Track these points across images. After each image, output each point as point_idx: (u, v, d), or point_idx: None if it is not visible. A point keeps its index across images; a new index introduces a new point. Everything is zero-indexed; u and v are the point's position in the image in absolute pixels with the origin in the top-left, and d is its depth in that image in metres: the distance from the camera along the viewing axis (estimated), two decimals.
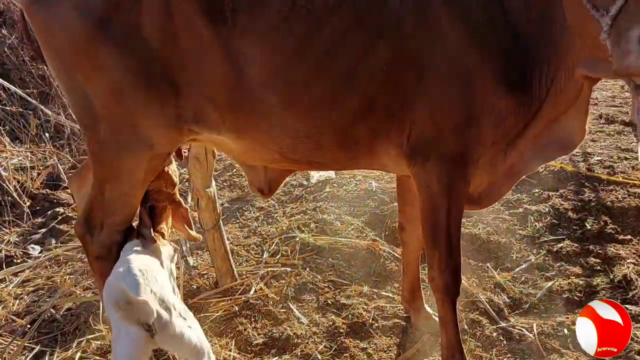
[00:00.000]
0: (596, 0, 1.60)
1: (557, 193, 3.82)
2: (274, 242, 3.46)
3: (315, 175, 4.36)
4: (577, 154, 4.41)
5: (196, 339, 1.99)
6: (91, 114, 2.06)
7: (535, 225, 3.49)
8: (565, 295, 2.87)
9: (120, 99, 2.02)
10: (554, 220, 3.54)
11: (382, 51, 1.93)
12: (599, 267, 3.05)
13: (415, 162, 2.06)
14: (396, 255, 3.24)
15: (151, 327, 1.83)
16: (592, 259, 3.15)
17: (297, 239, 3.44)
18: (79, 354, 2.56)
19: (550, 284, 2.95)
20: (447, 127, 1.90)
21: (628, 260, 3.05)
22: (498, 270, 3.12)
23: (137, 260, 2.04)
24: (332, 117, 2.05)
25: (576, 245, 3.27)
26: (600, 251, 3.17)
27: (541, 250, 3.27)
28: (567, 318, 2.70)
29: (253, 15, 1.93)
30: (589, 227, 3.41)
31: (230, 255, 3.09)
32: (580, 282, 2.94)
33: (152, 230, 2.22)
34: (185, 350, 2.00)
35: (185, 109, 2.06)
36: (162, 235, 2.30)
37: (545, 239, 3.37)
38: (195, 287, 3.13)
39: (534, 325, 2.66)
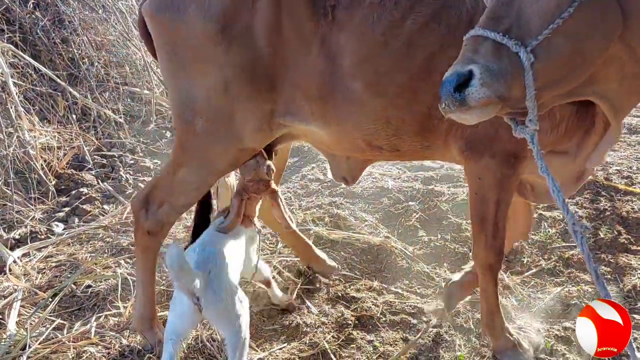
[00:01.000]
0: None
1: (573, 200, 3.82)
2: None
3: None
4: None
5: (239, 326, 2.14)
6: (192, 108, 2.30)
7: (549, 231, 3.52)
8: (573, 302, 2.89)
9: (225, 94, 2.25)
10: (567, 227, 3.54)
11: (453, 48, 2.03)
12: (609, 276, 3.06)
13: (470, 156, 2.24)
14: (407, 252, 3.30)
15: (199, 300, 2.03)
16: (603, 267, 3.17)
17: (312, 232, 3.51)
18: (94, 329, 2.66)
19: (559, 289, 2.98)
20: (503, 126, 1.94)
21: (639, 271, 3.06)
22: (508, 273, 3.15)
23: (208, 238, 2.30)
24: (412, 107, 2.22)
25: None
26: (611, 260, 3.19)
27: (552, 256, 3.29)
28: (574, 324, 2.72)
29: (349, 9, 2.15)
30: (602, 236, 3.41)
31: None
32: (589, 290, 2.96)
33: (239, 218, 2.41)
34: (226, 332, 2.15)
35: (278, 104, 2.29)
36: (250, 218, 2.50)
37: (557, 245, 3.40)
38: None
39: (540, 328, 2.70)
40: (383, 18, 2.13)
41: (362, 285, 3.04)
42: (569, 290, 2.98)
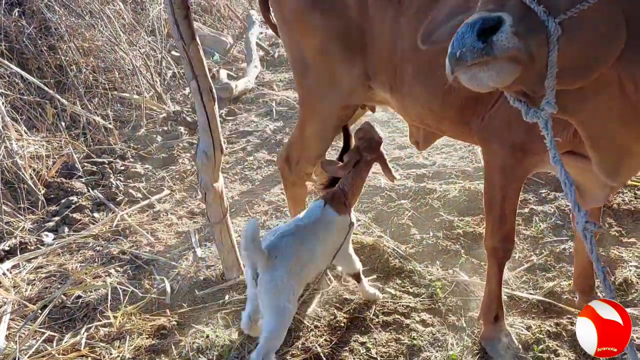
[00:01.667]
0: None
1: (564, 194, 3.81)
2: None
3: None
4: None
5: (278, 320, 2.27)
6: (304, 64, 2.77)
7: (540, 226, 3.50)
8: (565, 297, 2.89)
9: (325, 55, 2.66)
10: (558, 222, 3.54)
11: None
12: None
13: (483, 143, 2.42)
14: (400, 252, 3.29)
15: (257, 274, 2.26)
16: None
17: None
18: (85, 340, 2.65)
19: (551, 284, 2.97)
20: (516, 119, 1.89)
21: (630, 264, 3.05)
22: None
23: (293, 227, 2.47)
24: (447, 99, 2.37)
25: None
26: (603, 253, 3.17)
27: (544, 251, 3.28)
28: (566, 319, 2.72)
29: None
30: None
31: (237, 248, 3.16)
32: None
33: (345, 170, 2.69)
34: (266, 318, 2.29)
35: (369, 68, 2.63)
36: (348, 204, 2.67)
37: (549, 239, 3.39)
38: (202, 278, 3.21)
39: (532, 324, 2.69)
40: (428, 8, 2.26)
41: (354, 286, 3.03)
42: (560, 285, 2.97)
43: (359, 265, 2.78)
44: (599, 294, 2.78)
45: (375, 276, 3.12)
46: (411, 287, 3.04)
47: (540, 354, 2.50)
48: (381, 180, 4.17)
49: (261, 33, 9.19)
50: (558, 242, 3.35)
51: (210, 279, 3.20)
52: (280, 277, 2.26)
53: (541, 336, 2.60)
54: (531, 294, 2.93)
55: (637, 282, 2.90)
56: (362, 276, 2.83)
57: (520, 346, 2.53)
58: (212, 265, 3.32)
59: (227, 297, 3.02)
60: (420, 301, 2.91)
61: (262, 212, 3.93)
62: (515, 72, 1.32)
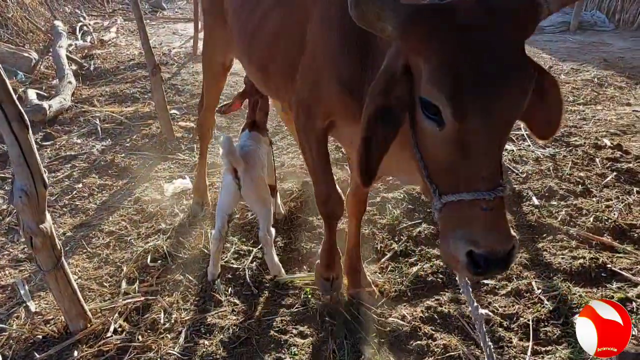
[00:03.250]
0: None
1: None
2: (130, 270, 3.14)
3: (170, 188, 4.06)
4: None
5: (265, 204, 2.92)
6: None
7: (394, 213, 3.60)
8: (430, 279, 2.98)
9: (207, 15, 3.45)
10: (410, 206, 3.68)
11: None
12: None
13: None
14: (263, 279, 3.13)
15: (239, 179, 2.83)
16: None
17: (158, 262, 3.16)
18: None
19: (415, 269, 3.05)
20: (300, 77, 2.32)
21: None
22: (365, 263, 3.15)
23: (245, 141, 3.11)
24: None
25: (432, 227, 3.43)
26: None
27: (402, 237, 3.37)
28: (434, 302, 2.80)
29: None
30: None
31: (79, 294, 2.72)
32: (441, 264, 3.08)
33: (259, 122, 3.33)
34: (257, 209, 2.95)
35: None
36: (263, 127, 3.34)
37: (404, 225, 3.50)
38: (41, 337, 2.70)
39: (405, 313, 2.73)
40: None
41: (220, 314, 2.79)
42: (423, 268, 3.07)
43: (274, 181, 3.48)
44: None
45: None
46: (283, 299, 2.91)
47: (419, 342, 2.53)
48: None
49: (71, 45, 8.33)
50: (413, 225, 3.47)
51: (52, 335, 2.71)
52: (256, 176, 2.89)
53: (416, 323, 2.64)
54: (398, 282, 2.98)
55: None
56: (277, 192, 3.57)
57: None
58: (52, 319, 2.82)
59: (76, 353, 2.57)
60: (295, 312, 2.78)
61: (103, 246, 3.47)
62: None
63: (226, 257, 3.20)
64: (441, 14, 1.36)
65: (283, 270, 3.04)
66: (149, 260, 3.19)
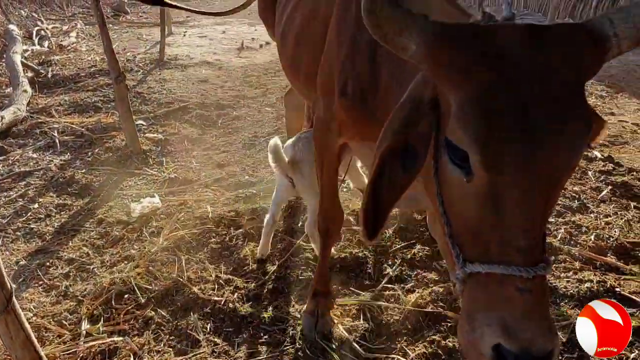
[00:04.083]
0: None
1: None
2: (93, 305, 2.77)
3: (137, 208, 3.69)
4: None
5: (314, 196, 2.79)
6: None
7: (386, 233, 3.34)
8: (430, 308, 2.72)
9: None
10: (402, 225, 3.42)
11: None
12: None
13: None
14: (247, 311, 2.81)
15: (292, 179, 2.93)
16: (443, 260, 3.09)
17: (125, 296, 2.80)
18: None
19: (413, 297, 2.78)
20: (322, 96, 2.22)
21: None
22: (357, 290, 2.87)
23: (301, 140, 3.00)
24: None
25: (427, 248, 3.19)
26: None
27: (396, 260, 3.11)
28: (438, 334, 2.54)
29: None
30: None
31: (33, 338, 2.34)
32: (440, 290, 2.82)
33: None
34: (307, 199, 2.98)
35: None
36: None
37: (397, 246, 3.23)
38: None
39: (407, 350, 2.45)
40: None
41: (198, 357, 2.46)
42: (422, 295, 2.80)
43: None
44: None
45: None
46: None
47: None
48: (207, 208, 3.63)
49: (27, 50, 7.83)
50: (407, 247, 3.21)
51: None
52: (306, 175, 2.90)
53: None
54: (394, 314, 2.71)
55: None
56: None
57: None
58: None
59: None
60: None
61: (62, 276, 3.07)
62: None
63: (204, 287, 2.87)
64: (480, 38, 1.09)
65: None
66: (114, 294, 2.82)
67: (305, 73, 2.38)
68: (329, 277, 2.72)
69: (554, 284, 2.86)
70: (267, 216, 3.10)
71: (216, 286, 2.89)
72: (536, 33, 1.09)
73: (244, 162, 4.58)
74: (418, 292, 2.83)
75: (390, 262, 3.10)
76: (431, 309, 2.72)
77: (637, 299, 2.71)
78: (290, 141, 3.09)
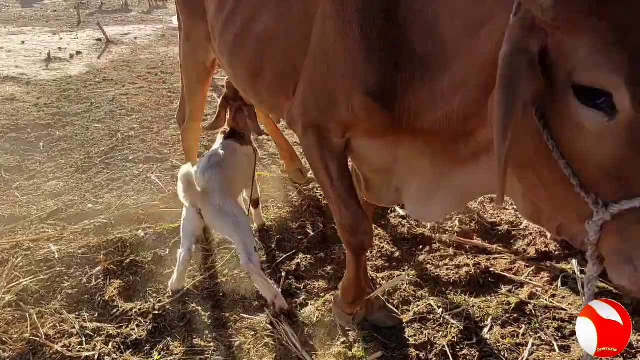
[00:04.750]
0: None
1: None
2: None
3: None
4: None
5: (238, 230, 2.63)
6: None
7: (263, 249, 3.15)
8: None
9: (183, 15, 3.17)
10: (278, 236, 3.27)
11: None
12: (340, 274, 2.90)
13: (290, 126, 2.34)
14: None
15: (200, 210, 2.67)
16: (327, 266, 3.02)
17: None
18: None
19: (318, 315, 2.64)
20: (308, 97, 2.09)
21: None
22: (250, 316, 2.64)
23: (212, 151, 2.98)
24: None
25: (309, 256, 3.08)
26: (335, 255, 3.05)
27: (281, 274, 2.94)
28: (345, 349, 2.44)
29: None
30: (313, 233, 3.27)
31: None
32: (329, 298, 2.73)
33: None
34: (228, 235, 2.76)
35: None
36: (244, 136, 3.15)
37: (280, 259, 3.07)
38: None
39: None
40: None
41: None
42: (318, 308, 2.67)
43: (257, 194, 3.29)
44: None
45: None
46: None
47: None
48: (52, 247, 3.05)
49: None
50: (288, 259, 3.06)
51: None
52: (217, 203, 2.65)
53: None
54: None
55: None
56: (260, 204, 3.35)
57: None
58: None
59: None
60: None
61: None
62: None
63: (68, 342, 2.37)
64: None
65: (281, 295, 2.66)
66: None
67: (276, 73, 2.19)
68: (364, 286, 2.56)
69: (436, 273, 2.97)
70: (181, 251, 2.75)
71: (84, 339, 2.42)
72: None
73: (82, 188, 3.99)
74: (313, 304, 2.70)
75: (276, 277, 2.93)
76: (328, 319, 2.62)
77: (509, 275, 2.93)
78: (197, 167, 2.81)
